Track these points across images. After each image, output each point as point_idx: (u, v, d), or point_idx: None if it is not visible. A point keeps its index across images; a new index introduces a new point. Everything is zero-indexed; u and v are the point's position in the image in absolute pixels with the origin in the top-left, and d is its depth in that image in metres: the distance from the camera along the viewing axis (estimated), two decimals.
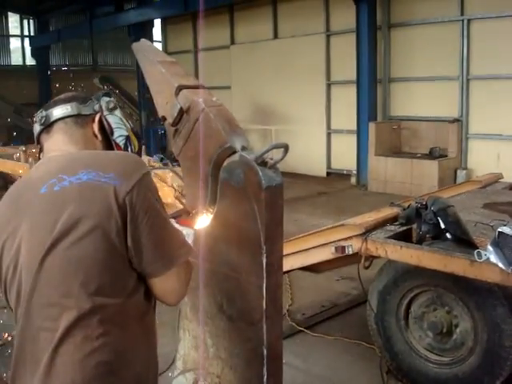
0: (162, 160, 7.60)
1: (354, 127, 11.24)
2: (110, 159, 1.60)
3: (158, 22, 16.98)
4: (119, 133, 1.80)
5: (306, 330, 4.63)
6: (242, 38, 14.25)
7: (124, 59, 22.34)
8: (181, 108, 2.17)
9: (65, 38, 18.92)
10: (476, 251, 3.02)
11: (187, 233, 1.90)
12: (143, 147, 7.92)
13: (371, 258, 3.73)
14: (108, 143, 1.77)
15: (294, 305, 5.24)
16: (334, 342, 4.41)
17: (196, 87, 2.24)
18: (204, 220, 2.04)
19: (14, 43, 20.80)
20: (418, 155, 10.33)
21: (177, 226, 1.88)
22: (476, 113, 10.00)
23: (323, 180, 12.30)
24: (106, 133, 1.77)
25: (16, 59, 20.71)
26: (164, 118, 2.29)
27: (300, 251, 3.98)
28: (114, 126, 1.80)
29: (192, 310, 2.34)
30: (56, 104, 1.74)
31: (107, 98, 1.82)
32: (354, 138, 11.39)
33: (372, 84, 10.66)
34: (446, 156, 10.03)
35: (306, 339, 4.53)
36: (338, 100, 12.14)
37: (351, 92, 11.23)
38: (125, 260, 1.47)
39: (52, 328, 1.40)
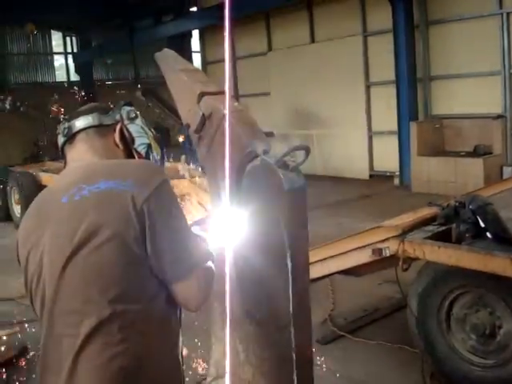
0: (202, 168, 7.67)
1: (396, 128, 11.07)
2: (128, 167, 1.62)
3: (196, 33, 17.18)
4: (140, 141, 1.82)
5: (347, 335, 4.58)
6: (279, 44, 14.26)
7: None
8: (203, 115, 2.19)
9: (107, 52, 19.38)
10: None
11: (210, 239, 1.91)
12: (183, 157, 8.03)
13: (410, 260, 3.66)
14: (129, 152, 1.80)
15: (335, 309, 5.20)
16: (375, 346, 4.34)
17: (218, 93, 2.25)
18: (228, 226, 2.04)
19: (58, 60, 21.42)
20: (462, 154, 10.08)
21: (200, 232, 1.89)
22: None
23: (366, 182, 12.16)
24: (127, 142, 1.80)
25: (60, 76, 21.32)
26: (188, 126, 2.31)
27: (338, 255, 3.94)
28: (134, 134, 1.82)
29: (221, 316, 2.34)
30: (78, 115, 1.78)
31: (128, 108, 1.85)
32: (395, 139, 11.23)
33: (411, 83, 10.49)
34: (491, 153, 9.76)
35: (347, 344, 4.48)
36: (378, 101, 12.00)
37: (391, 92, 11.08)
38: (145, 266, 1.49)
39: (74, 334, 1.43)
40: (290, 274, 1.94)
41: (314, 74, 13.00)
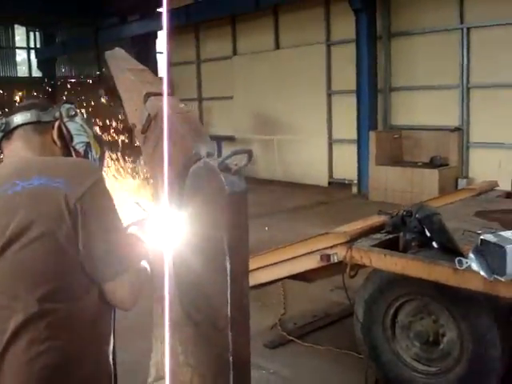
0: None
1: (355, 136, 11.22)
2: (63, 165, 1.60)
3: (161, 34, 17.06)
4: (79, 139, 1.80)
5: (296, 340, 4.60)
6: (244, 48, 14.30)
7: None
8: (149, 115, 2.18)
9: (71, 49, 19.09)
10: (457, 259, 2.99)
11: (147, 239, 1.90)
12: None
13: (357, 267, 3.70)
14: (68, 150, 1.78)
15: (286, 314, 5.22)
16: (324, 351, 4.37)
17: (167, 95, 2.24)
18: (168, 227, 2.03)
19: (21, 55, 21.00)
20: (419, 164, 10.29)
21: (137, 232, 1.88)
22: (477, 121, 9.96)
23: (324, 189, 12.27)
24: (66, 139, 1.77)
25: (22, 71, 20.90)
26: (134, 126, 2.29)
27: (287, 260, 3.96)
28: (73, 132, 1.79)
29: (161, 318, 2.33)
30: (17, 111, 1.75)
31: (68, 105, 1.82)
32: (355, 148, 11.38)
33: (372, 93, 10.66)
34: (447, 165, 9.98)
35: (296, 349, 4.50)
36: (340, 110, 12.14)
37: (352, 101, 11.23)
38: (76, 265, 1.47)
39: (1, 330, 1.41)
40: (228, 277, 1.94)
41: (277, 80, 13.08)
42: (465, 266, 2.94)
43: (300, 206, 10.33)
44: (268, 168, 13.80)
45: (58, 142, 1.76)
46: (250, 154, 1.99)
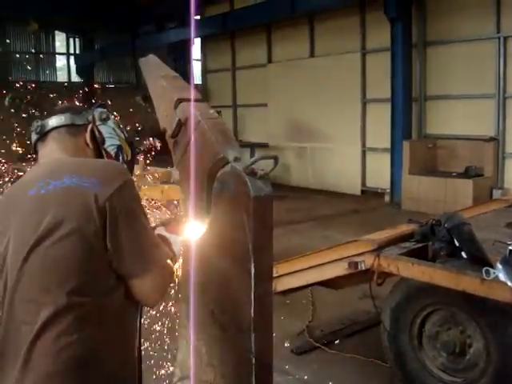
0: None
1: (389, 145, 11.16)
2: (93, 166, 1.68)
3: (197, 41, 17.30)
4: (110, 142, 1.88)
5: (322, 347, 4.61)
6: (278, 56, 14.38)
7: None
8: (179, 120, 2.24)
9: (109, 56, 19.48)
10: (484, 269, 2.97)
11: (174, 240, 1.96)
12: None
13: (384, 275, 3.70)
14: (99, 152, 1.85)
15: (314, 321, 5.22)
16: (349, 359, 4.37)
17: (195, 100, 2.30)
18: (195, 229, 2.09)
19: (61, 61, 21.53)
20: (454, 174, 10.16)
21: (165, 233, 1.94)
22: None
23: (357, 198, 12.23)
24: (98, 142, 1.85)
25: (62, 76, 21.41)
26: (165, 130, 2.36)
27: (315, 266, 3.98)
28: (105, 135, 1.87)
29: (187, 319, 2.38)
30: (52, 114, 1.83)
31: (100, 109, 1.91)
32: (388, 157, 11.31)
33: (406, 102, 10.59)
34: (482, 175, 9.84)
35: (322, 356, 4.51)
36: (374, 118, 12.09)
37: (386, 110, 11.17)
38: (104, 261, 1.53)
39: (31, 322, 1.47)
40: (252, 279, 1.98)
41: (311, 88, 13.10)
42: (492, 276, 2.92)
43: (332, 214, 10.32)
44: (301, 176, 13.83)
45: (91, 145, 1.83)
46: (275, 159, 2.04)
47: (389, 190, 11.15)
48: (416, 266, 3.39)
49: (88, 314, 1.50)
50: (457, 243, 3.48)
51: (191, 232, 2.04)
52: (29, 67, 20.20)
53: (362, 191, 12.46)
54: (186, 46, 16.34)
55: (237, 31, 15.14)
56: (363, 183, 12.53)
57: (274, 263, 4.51)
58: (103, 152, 1.86)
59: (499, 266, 2.93)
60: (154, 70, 2.54)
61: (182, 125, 2.25)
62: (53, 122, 1.81)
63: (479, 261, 3.39)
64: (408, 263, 3.42)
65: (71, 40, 21.35)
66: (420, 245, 3.74)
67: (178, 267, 1.98)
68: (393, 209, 10.70)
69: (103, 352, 1.51)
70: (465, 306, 3.38)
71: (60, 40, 21.20)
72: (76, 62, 21.10)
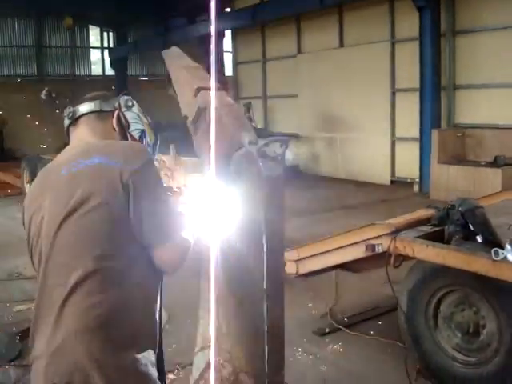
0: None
1: (418, 135, 11.16)
2: (119, 147, 1.87)
3: (228, 33, 17.48)
4: (135, 126, 2.06)
5: (343, 329, 4.76)
6: (308, 47, 14.46)
7: None
8: (199, 107, 2.42)
9: (141, 49, 19.82)
10: (493, 249, 3.08)
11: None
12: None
13: (401, 258, 3.83)
14: (125, 135, 2.05)
15: (337, 305, 5.37)
16: (369, 341, 4.51)
17: (216, 89, 2.48)
18: (214, 207, 2.27)
19: (95, 55, 21.99)
20: (482, 163, 10.12)
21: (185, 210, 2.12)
22: None
23: (386, 188, 12.27)
24: (123, 126, 2.04)
25: (96, 70, 21.88)
26: (186, 117, 2.54)
27: (334, 249, 4.13)
28: (130, 120, 2.06)
29: (207, 292, 2.56)
30: (82, 101, 2.03)
31: (126, 97, 2.09)
32: (418, 146, 11.31)
33: (435, 91, 10.57)
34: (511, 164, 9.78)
35: (343, 337, 4.65)
36: (403, 108, 12.10)
37: (416, 100, 11.17)
38: (128, 231, 1.72)
39: (63, 284, 1.67)
40: (264, 254, 2.15)
41: (341, 78, 13.16)
42: (501, 256, 3.03)
43: (360, 204, 10.40)
44: (330, 166, 13.92)
45: (117, 129, 2.03)
46: (286, 142, 2.20)
47: (418, 180, 11.17)
48: (430, 248, 3.50)
49: (113, 278, 1.69)
50: (471, 227, 3.58)
51: (210, 210, 2.22)
52: (64, 61, 20.72)
53: (392, 181, 12.50)
54: (217, 38, 16.54)
55: (267, 23, 15.26)
56: (392, 173, 12.57)
57: (296, 247, 4.69)
58: (128, 135, 2.04)
59: (508, 247, 3.03)
60: (176, 61, 2.72)
61: (201, 111, 2.44)
62: (83, 108, 2.01)
63: (492, 244, 3.47)
64: (423, 245, 3.54)
65: (105, 34, 21.79)
66: (436, 229, 3.85)
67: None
68: (421, 198, 10.70)
69: (125, 313, 1.70)
70: (478, 287, 3.48)
71: (94, 34, 21.66)
72: (110, 56, 21.53)
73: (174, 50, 2.82)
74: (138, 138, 2.07)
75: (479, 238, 3.58)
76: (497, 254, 3.05)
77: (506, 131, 10.11)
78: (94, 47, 21.86)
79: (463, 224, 3.57)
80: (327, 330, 4.76)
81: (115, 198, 1.70)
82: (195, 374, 2.69)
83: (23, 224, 1.89)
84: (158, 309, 1.91)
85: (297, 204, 10.46)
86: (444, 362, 3.72)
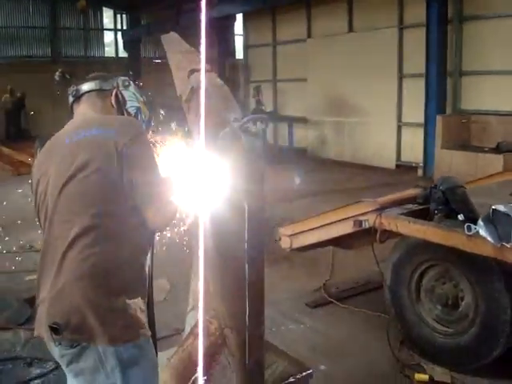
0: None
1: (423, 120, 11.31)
2: (115, 120, 2.14)
3: (239, 17, 17.60)
4: (131, 104, 2.31)
5: (335, 302, 5.02)
6: (318, 31, 14.56)
7: (211, 52, 23.16)
8: (192, 87, 2.66)
9: (154, 31, 19.98)
10: (466, 225, 3.30)
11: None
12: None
13: (387, 234, 4.05)
14: (122, 112, 2.30)
15: (331, 280, 5.63)
16: (358, 313, 4.77)
17: (206, 71, 2.71)
18: (203, 177, 2.51)
19: (109, 37, 22.21)
20: (486, 149, 10.25)
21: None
22: None
23: (391, 172, 12.43)
24: (121, 104, 2.29)
25: (110, 52, 22.11)
26: (181, 97, 2.78)
27: (324, 225, 4.36)
28: (127, 98, 2.31)
29: (198, 253, 2.81)
30: (85, 81, 2.29)
31: (123, 78, 2.34)
32: (423, 131, 11.46)
33: (441, 77, 10.68)
34: None
35: (334, 309, 4.92)
36: (410, 93, 12.20)
37: (422, 85, 11.28)
38: (121, 193, 1.97)
39: (64, 237, 1.93)
40: (246, 219, 2.40)
41: (349, 63, 13.27)
42: (473, 231, 3.25)
43: (363, 187, 10.58)
44: (338, 150, 14.10)
45: (115, 106, 2.28)
46: (265, 119, 2.44)
47: (422, 164, 11.33)
48: (412, 224, 3.73)
49: (107, 232, 1.95)
50: (452, 205, 3.79)
51: (200, 180, 2.47)
52: (78, 43, 20.97)
53: (397, 165, 12.65)
54: (227, 21, 16.69)
55: (277, 7, 15.37)
56: (398, 157, 12.72)
57: (291, 223, 4.94)
58: (125, 111, 2.30)
59: (481, 222, 3.24)
60: (173, 45, 2.96)
61: (194, 92, 2.67)
62: (85, 87, 2.27)
63: (472, 221, 3.68)
64: (405, 221, 3.77)
65: (118, 16, 21.98)
66: (421, 207, 4.06)
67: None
68: (424, 183, 10.83)
69: (117, 264, 1.96)
70: (457, 262, 3.70)
71: (108, 16, 21.86)
72: (123, 38, 21.74)
73: (172, 35, 3.06)
74: (133, 114, 2.32)
75: (460, 216, 3.78)
76: (469, 228, 3.27)
77: (510, 118, 10.22)
78: (107, 29, 22.08)
79: (444, 202, 3.77)
80: (319, 303, 5.02)
81: (110, 165, 1.95)
82: (187, 330, 2.97)
83: (31, 187, 2.15)
84: (148, 263, 2.17)
85: (301, 186, 10.70)
86: (425, 332, 3.95)
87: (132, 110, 2.32)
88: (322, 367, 3.91)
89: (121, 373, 1.91)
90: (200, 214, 2.54)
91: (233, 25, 17.31)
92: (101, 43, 21.83)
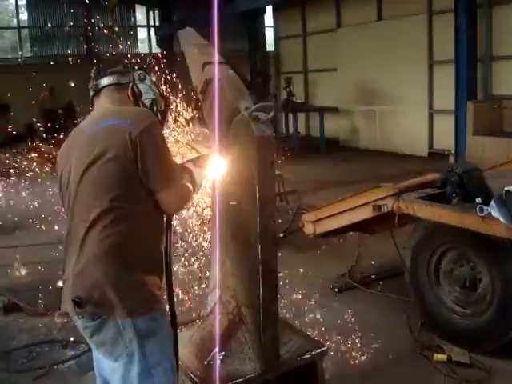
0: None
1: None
2: (130, 111, 2.30)
3: (269, 9, 17.66)
4: (146, 96, 2.47)
5: (359, 286, 5.12)
6: (347, 21, 14.57)
7: (241, 45, 23.28)
8: (206, 79, 2.81)
9: (186, 27, 20.21)
10: (478, 206, 3.36)
11: (198, 172, 2.55)
12: None
13: (406, 218, 4.13)
14: (138, 104, 2.46)
15: (357, 266, 5.72)
16: (381, 297, 4.87)
17: (220, 64, 2.86)
18: (218, 164, 2.67)
19: (142, 34, 22.57)
20: None
21: (191, 166, 2.54)
22: None
23: (423, 159, 12.38)
24: (137, 96, 2.46)
25: (143, 48, 22.47)
26: (196, 88, 2.94)
27: (345, 210, 4.47)
28: (143, 91, 2.47)
29: (215, 239, 2.98)
30: (104, 76, 2.46)
31: (139, 71, 2.50)
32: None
33: (471, 63, 10.53)
34: None
35: (357, 294, 5.04)
36: (441, 80, 12.12)
37: (453, 72, 11.17)
38: (136, 179, 2.14)
39: (85, 219, 2.11)
40: (257, 204, 2.54)
41: (379, 51, 13.24)
42: (485, 212, 3.31)
43: (394, 175, 10.55)
44: (369, 138, 14.10)
45: (131, 98, 2.44)
46: (274, 107, 2.57)
47: (453, 152, 11.24)
48: (428, 207, 3.80)
49: (124, 215, 2.12)
50: (469, 188, 3.84)
51: (215, 167, 2.63)
52: (112, 40, 21.35)
53: (430, 153, 12.59)
54: (258, 14, 16.76)
55: None
56: (430, 145, 12.67)
57: (314, 209, 5.06)
58: (140, 104, 2.46)
59: (493, 203, 3.30)
60: (189, 39, 3.11)
61: (208, 83, 2.83)
62: (104, 81, 2.43)
63: (488, 204, 3.74)
64: (422, 205, 3.84)
65: (151, 13, 22.30)
66: (439, 191, 4.12)
67: (200, 192, 2.57)
68: None
69: (135, 243, 2.13)
70: (473, 244, 3.76)
71: (141, 13, 22.21)
72: (156, 34, 22.04)
73: (188, 30, 3.22)
74: (148, 106, 2.48)
75: (478, 200, 3.83)
76: (481, 210, 3.33)
77: None
78: (140, 26, 22.44)
79: (461, 185, 3.83)
80: (344, 287, 5.14)
81: (126, 153, 2.12)
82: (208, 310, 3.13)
83: (57, 174, 2.34)
84: (164, 243, 2.33)
85: (331, 176, 10.78)
86: (444, 314, 4.03)
87: (148, 102, 2.48)
88: (343, 348, 4.03)
89: (138, 344, 2.09)
90: (216, 200, 2.73)
91: (263, 17, 17.36)
92: (135, 40, 22.19)
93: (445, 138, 12.08)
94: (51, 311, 4.80)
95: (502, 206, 3.29)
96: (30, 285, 5.51)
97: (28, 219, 7.85)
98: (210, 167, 2.66)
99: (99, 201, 2.11)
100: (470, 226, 3.54)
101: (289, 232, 6.83)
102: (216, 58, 2.81)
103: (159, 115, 2.52)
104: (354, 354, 3.96)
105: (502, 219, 3.26)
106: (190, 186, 2.38)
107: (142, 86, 2.48)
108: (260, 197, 2.53)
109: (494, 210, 3.29)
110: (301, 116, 15.90)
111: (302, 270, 5.73)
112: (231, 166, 2.67)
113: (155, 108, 2.51)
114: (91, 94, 2.47)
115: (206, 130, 3.02)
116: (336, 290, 5.12)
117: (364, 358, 3.93)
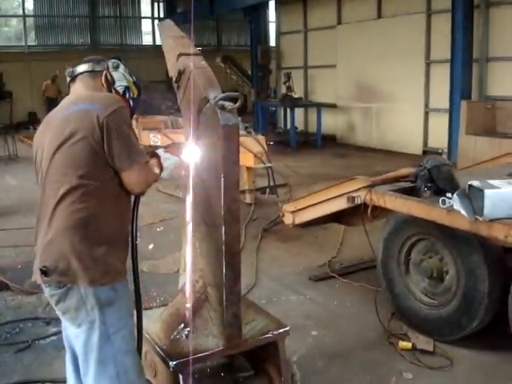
0: (246, 128, 8.46)
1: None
2: (100, 96, 2.46)
3: (272, 4, 17.80)
4: (119, 83, 2.63)
5: (337, 276, 5.27)
6: (348, 18, 14.65)
7: (245, 39, 23.43)
8: (179, 70, 2.96)
9: (190, 19, 20.32)
10: (441, 198, 3.50)
11: (167, 157, 2.70)
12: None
13: (378, 210, 4.28)
14: (110, 90, 2.61)
15: (337, 257, 5.88)
16: (357, 287, 5.01)
17: (193, 55, 3.01)
18: (188, 151, 2.82)
19: (146, 25, 22.71)
20: (510, 135, 10.22)
21: (161, 152, 2.69)
22: None
23: (417, 158, 12.45)
24: (110, 83, 2.61)
25: (147, 39, 22.63)
26: (171, 78, 3.09)
27: (321, 201, 4.62)
28: (116, 78, 2.62)
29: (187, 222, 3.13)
30: (80, 63, 2.62)
31: (113, 60, 2.66)
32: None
33: (466, 63, 10.64)
34: None
35: (335, 284, 5.17)
36: (437, 79, 12.21)
37: (449, 71, 11.29)
38: (103, 159, 2.30)
39: (55, 195, 2.28)
40: (222, 188, 2.69)
41: (378, 49, 13.35)
42: (447, 205, 3.45)
43: (386, 172, 10.69)
44: (366, 135, 14.23)
45: (105, 85, 2.60)
46: (238, 97, 2.72)
47: (446, 150, 11.36)
48: (398, 199, 3.94)
49: (91, 192, 2.28)
50: (438, 182, 3.98)
51: (187, 153, 2.78)
52: (116, 31, 21.52)
53: (424, 151, 12.69)
54: (261, 8, 16.91)
55: None
56: (425, 143, 12.78)
57: (293, 200, 5.21)
58: (113, 90, 2.61)
59: (455, 196, 3.44)
60: (167, 31, 3.26)
61: (181, 73, 2.97)
62: (80, 68, 2.60)
63: None
64: (392, 197, 3.98)
65: (155, 5, 22.45)
66: (412, 185, 4.25)
67: (166, 175, 2.72)
68: None
69: (101, 219, 2.30)
70: (440, 236, 3.89)
71: (145, 5, 22.35)
72: None
73: (167, 22, 3.37)
74: (121, 93, 2.63)
75: (449, 194, 3.97)
76: (444, 202, 3.48)
77: None
78: (144, 17, 22.59)
79: (430, 180, 3.97)
80: (322, 277, 5.29)
81: (93, 135, 2.28)
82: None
83: (33, 153, 2.50)
84: (129, 221, 2.50)
85: (326, 171, 10.91)
86: (412, 304, 4.17)
87: (120, 89, 2.64)
88: (314, 333, 4.19)
89: (99, 311, 2.26)
90: (187, 186, 2.88)
91: (266, 12, 17.50)
92: (139, 31, 22.35)
93: (439, 137, 12.18)
94: (38, 290, 4.97)
95: (464, 198, 3.42)
96: (19, 265, 5.68)
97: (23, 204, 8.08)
98: (182, 154, 2.80)
99: (68, 177, 2.27)
100: (436, 219, 3.68)
101: (275, 223, 6.98)
102: (191, 48, 2.95)
103: (131, 102, 2.68)
104: (322, 338, 4.12)
105: (463, 212, 3.40)
106: (156, 169, 2.54)
107: (115, 74, 2.63)
108: (224, 182, 2.68)
109: (456, 202, 3.42)
110: (300, 111, 16.04)
111: (283, 260, 5.90)
112: (201, 153, 2.82)
113: (127, 95, 2.67)
114: (68, 80, 2.63)
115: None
116: (313, 279, 5.26)
117: (332, 341, 4.09)
